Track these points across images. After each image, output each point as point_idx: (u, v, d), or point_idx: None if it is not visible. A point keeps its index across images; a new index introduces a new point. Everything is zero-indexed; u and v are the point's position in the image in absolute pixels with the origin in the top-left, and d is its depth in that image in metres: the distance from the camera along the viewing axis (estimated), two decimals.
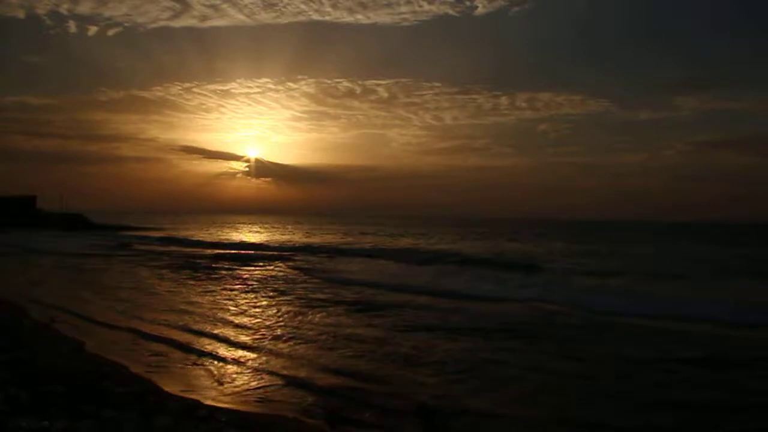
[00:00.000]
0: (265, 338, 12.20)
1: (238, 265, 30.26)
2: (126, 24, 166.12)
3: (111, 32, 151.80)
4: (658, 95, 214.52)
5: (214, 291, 19.99)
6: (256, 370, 9.76)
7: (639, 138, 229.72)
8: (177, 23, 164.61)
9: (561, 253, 39.90)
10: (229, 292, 19.63)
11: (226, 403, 7.96)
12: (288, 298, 18.49)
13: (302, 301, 17.84)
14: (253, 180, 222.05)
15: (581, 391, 8.84)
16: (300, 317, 14.90)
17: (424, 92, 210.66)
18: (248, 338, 12.22)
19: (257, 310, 16.03)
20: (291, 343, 11.83)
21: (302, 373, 9.49)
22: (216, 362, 10.22)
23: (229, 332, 12.79)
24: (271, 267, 29.96)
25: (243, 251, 42.29)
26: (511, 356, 10.93)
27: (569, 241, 59.58)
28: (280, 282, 23.17)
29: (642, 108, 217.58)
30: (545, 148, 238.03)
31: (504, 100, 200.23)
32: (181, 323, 13.69)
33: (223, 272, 26.56)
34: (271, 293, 19.61)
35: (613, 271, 25.61)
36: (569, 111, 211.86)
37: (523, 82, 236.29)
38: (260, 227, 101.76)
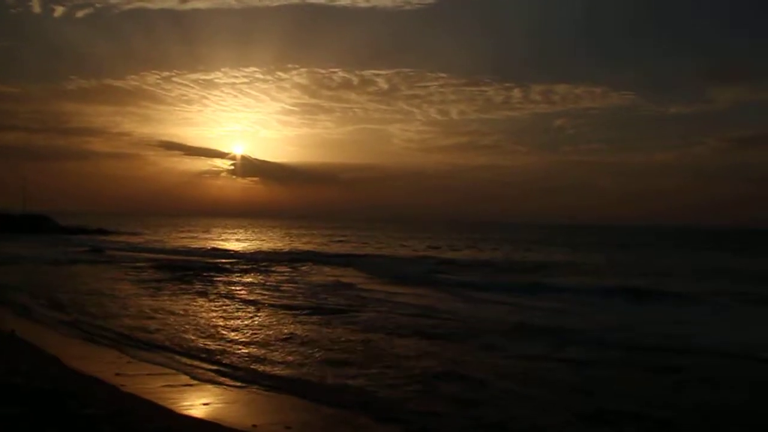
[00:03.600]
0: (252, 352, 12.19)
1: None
2: (97, 4, 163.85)
3: (80, 13, 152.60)
4: (690, 86, 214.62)
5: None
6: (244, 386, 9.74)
7: (667, 134, 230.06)
8: (154, 4, 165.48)
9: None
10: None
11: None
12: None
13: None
14: (239, 179, 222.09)
15: None
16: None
17: (429, 83, 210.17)
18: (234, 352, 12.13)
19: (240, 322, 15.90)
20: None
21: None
22: (195, 380, 10.16)
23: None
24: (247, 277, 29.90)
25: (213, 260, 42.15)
26: None
27: (625, 252, 58.25)
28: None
29: (671, 101, 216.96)
30: (562, 146, 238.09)
31: (516, 93, 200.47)
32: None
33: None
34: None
35: None
36: (589, 104, 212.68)
37: (538, 72, 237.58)
38: (243, 232, 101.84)
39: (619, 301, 21.78)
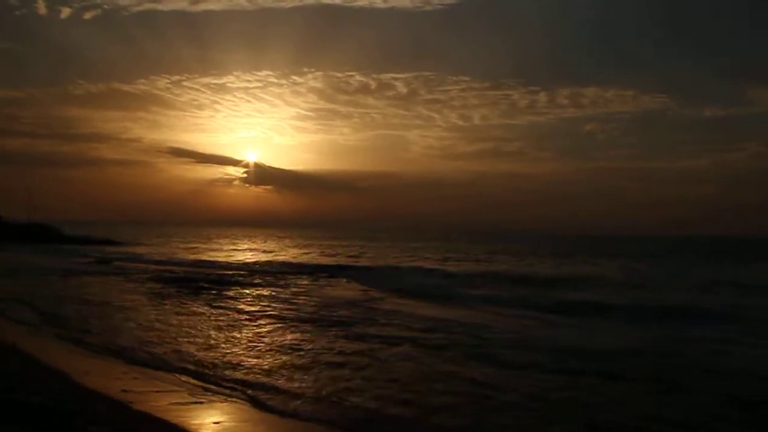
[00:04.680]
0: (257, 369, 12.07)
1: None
2: (105, 6, 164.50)
3: (88, 15, 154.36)
4: (727, 88, 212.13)
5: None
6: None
7: (702, 139, 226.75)
8: (165, 6, 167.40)
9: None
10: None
11: None
12: None
13: None
14: (252, 188, 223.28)
15: None
16: None
17: (450, 87, 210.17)
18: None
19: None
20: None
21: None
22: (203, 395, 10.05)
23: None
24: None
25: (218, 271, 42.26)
26: None
27: (658, 264, 57.12)
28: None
29: (706, 104, 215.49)
30: (590, 152, 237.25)
31: (542, 97, 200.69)
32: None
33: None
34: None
35: None
36: (619, 108, 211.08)
37: (565, 75, 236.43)
38: (255, 242, 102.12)
39: (669, 323, 19.91)
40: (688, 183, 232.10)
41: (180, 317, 19.30)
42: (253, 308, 22.14)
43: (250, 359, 13.14)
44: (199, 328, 17.29)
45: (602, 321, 20.76)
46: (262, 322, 18.84)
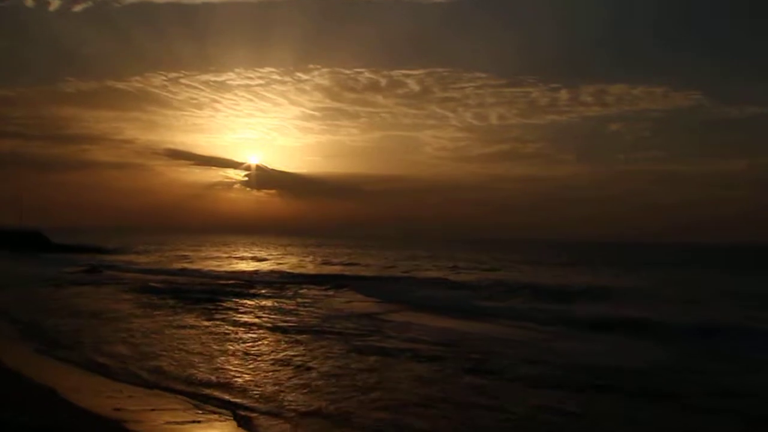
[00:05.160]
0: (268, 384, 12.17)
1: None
2: None
3: (78, 7, 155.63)
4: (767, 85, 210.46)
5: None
6: None
7: (741, 139, 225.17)
8: None
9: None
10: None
11: None
12: None
13: None
14: (254, 192, 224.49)
15: None
16: None
17: (465, 85, 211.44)
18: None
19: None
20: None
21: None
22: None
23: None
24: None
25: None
26: None
27: (693, 274, 56.37)
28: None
29: (745, 101, 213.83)
30: (616, 154, 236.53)
31: (564, 94, 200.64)
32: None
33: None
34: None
35: None
36: (648, 106, 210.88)
37: (589, 71, 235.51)
38: (257, 250, 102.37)
39: (717, 342, 19.23)
40: (722, 187, 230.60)
41: (174, 330, 19.45)
42: (252, 321, 22.30)
43: (249, 377, 13.25)
44: (194, 342, 17.41)
45: (627, 337, 20.55)
46: (262, 335, 19.01)
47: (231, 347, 16.81)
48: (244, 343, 17.58)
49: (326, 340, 18.13)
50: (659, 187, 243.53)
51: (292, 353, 16.03)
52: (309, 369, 14.08)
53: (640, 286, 41.13)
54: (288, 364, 14.59)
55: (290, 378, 13.15)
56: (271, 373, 13.58)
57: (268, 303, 28.40)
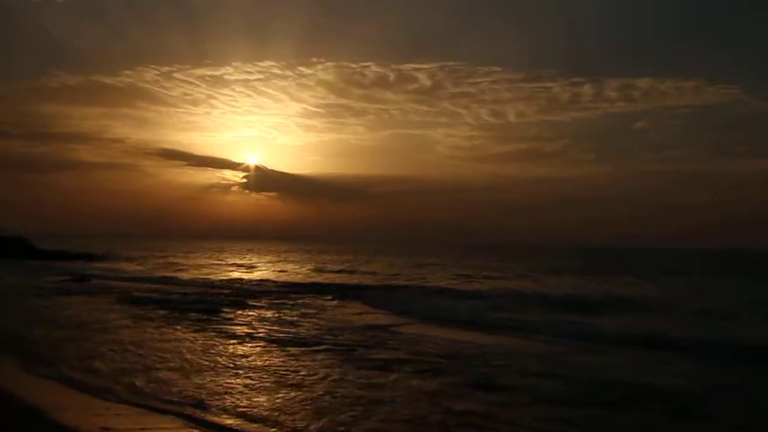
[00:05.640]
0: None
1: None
2: None
3: None
4: None
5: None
6: None
7: None
8: None
9: None
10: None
11: None
12: None
13: None
14: (253, 194, 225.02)
15: None
16: None
17: (480, 79, 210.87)
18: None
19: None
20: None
21: None
22: None
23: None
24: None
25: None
26: None
27: (733, 284, 55.43)
28: None
29: None
30: (643, 153, 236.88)
31: (587, 89, 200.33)
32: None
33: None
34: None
35: None
36: (678, 102, 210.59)
37: (614, 64, 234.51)
38: (256, 257, 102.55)
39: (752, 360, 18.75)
40: (759, 188, 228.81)
41: (165, 344, 19.67)
42: (248, 333, 22.47)
43: (242, 394, 13.44)
44: (186, 357, 17.59)
45: (649, 353, 20.40)
46: (257, 349, 19.23)
47: (224, 362, 16.97)
48: (238, 357, 17.75)
49: (325, 354, 18.36)
50: (689, 188, 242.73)
51: (288, 368, 16.20)
52: (304, 385, 14.26)
53: (664, 295, 41.14)
54: (282, 380, 14.80)
55: (284, 395, 13.32)
56: (264, 390, 13.76)
57: (266, 314, 28.61)
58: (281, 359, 17.61)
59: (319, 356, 18.06)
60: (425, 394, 13.72)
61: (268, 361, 17.23)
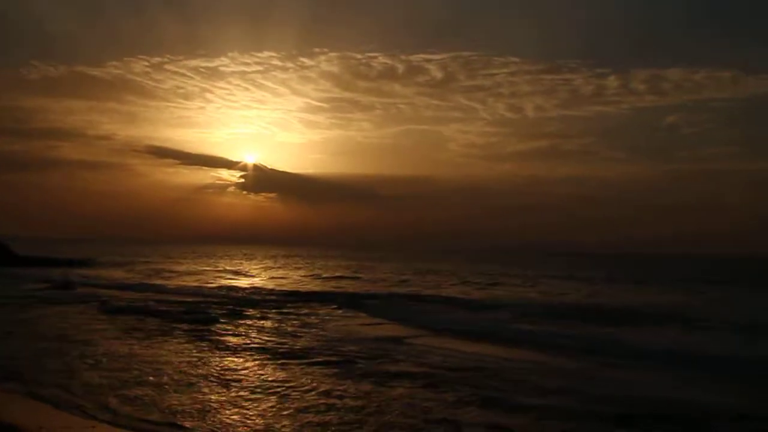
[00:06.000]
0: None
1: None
2: None
3: None
4: None
5: None
6: None
7: None
8: None
9: None
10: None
11: None
12: None
13: None
14: (251, 196, 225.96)
15: None
16: None
17: (496, 71, 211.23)
18: None
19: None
20: None
21: None
22: None
23: None
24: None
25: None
26: None
27: None
28: None
29: None
30: (675, 151, 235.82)
31: (613, 81, 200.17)
32: None
33: None
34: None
35: None
36: (713, 94, 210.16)
37: (642, 53, 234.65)
38: (254, 263, 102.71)
39: None
40: None
41: (154, 357, 19.63)
42: (243, 344, 22.51)
43: (233, 410, 13.40)
44: (176, 371, 17.53)
45: (680, 369, 20.16)
46: (249, 361, 19.21)
47: (216, 376, 16.91)
48: (230, 371, 17.71)
49: (322, 366, 18.38)
50: (727, 187, 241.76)
51: (283, 381, 16.22)
52: (297, 399, 14.36)
53: (700, 306, 40.85)
54: (275, 393, 14.90)
55: (276, 410, 13.37)
56: (255, 405, 13.76)
57: (263, 324, 28.63)
58: (274, 373, 17.56)
59: (316, 369, 18.04)
60: (422, 409, 13.73)
61: (259, 375, 17.15)
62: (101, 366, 17.91)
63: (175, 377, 16.54)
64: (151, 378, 16.38)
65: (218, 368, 18.02)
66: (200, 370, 17.58)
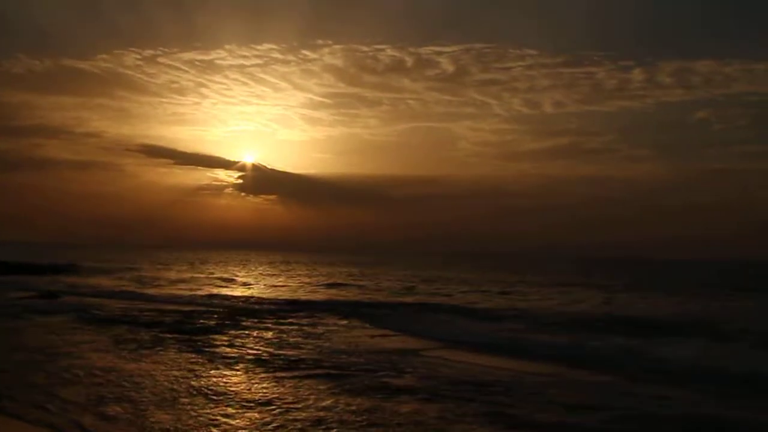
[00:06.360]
0: None
1: None
2: None
3: None
4: None
5: None
6: None
7: None
8: None
9: None
10: None
11: None
12: None
13: None
14: (250, 197, 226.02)
15: None
16: None
17: (511, 64, 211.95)
18: None
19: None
20: None
21: None
22: None
23: None
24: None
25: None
26: None
27: None
28: None
29: None
30: (705, 148, 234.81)
31: (637, 74, 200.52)
32: None
33: None
34: None
35: None
36: (746, 88, 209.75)
37: (669, 44, 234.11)
38: (252, 269, 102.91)
39: None
40: None
41: (145, 370, 19.60)
42: (236, 354, 22.52)
43: (225, 426, 13.39)
44: (167, 385, 17.50)
45: (719, 387, 19.61)
46: (254, 377, 19.10)
47: (209, 390, 16.90)
48: (222, 383, 17.73)
49: (320, 380, 18.39)
50: (760, 190, 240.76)
51: (279, 395, 16.23)
52: (293, 411, 14.51)
53: (732, 316, 40.71)
54: (270, 405, 15.03)
55: (271, 425, 13.35)
56: (248, 416, 13.77)
57: (259, 335, 28.64)
58: (270, 387, 17.49)
59: (314, 382, 18.07)
60: (432, 426, 13.73)
61: (254, 389, 17.10)
62: (81, 380, 17.87)
63: (160, 392, 16.50)
64: (132, 393, 16.33)
65: (207, 382, 17.97)
66: (187, 384, 17.55)
